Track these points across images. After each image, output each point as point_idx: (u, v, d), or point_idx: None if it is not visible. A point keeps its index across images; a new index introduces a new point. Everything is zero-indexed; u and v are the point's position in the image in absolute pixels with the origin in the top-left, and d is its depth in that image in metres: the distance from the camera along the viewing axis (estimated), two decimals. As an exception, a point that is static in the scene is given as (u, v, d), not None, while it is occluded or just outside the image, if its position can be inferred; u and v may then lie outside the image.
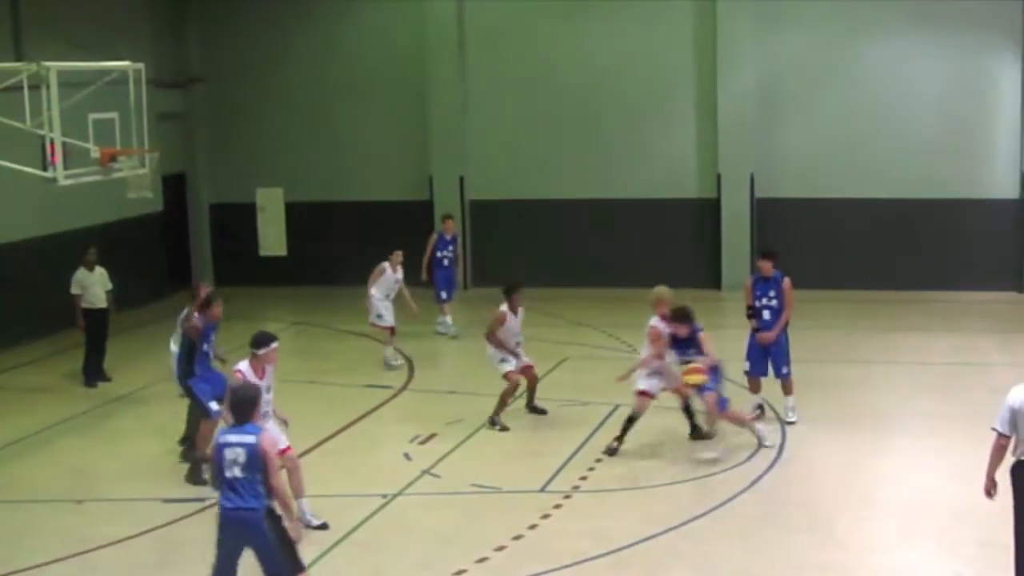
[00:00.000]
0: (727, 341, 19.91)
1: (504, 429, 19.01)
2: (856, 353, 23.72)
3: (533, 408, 19.87)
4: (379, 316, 23.33)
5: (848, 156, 29.24)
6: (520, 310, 19.53)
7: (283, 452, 15.04)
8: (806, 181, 29.40)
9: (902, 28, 28.97)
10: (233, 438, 11.57)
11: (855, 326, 26.18)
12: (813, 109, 29.39)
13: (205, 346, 17.49)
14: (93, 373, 22.66)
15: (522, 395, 19.78)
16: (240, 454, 11.45)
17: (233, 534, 11.57)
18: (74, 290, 22.46)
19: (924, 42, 28.92)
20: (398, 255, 23.49)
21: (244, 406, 11.79)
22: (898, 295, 28.49)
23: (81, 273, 22.53)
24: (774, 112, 29.39)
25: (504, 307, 19.30)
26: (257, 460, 11.47)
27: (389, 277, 23.35)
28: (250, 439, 11.53)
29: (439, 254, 26.08)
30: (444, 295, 25.99)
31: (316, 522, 14.97)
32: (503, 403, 19.17)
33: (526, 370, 19.56)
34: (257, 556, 11.63)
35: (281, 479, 11.77)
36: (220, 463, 11.54)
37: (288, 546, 11.75)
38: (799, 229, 28.91)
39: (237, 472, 11.43)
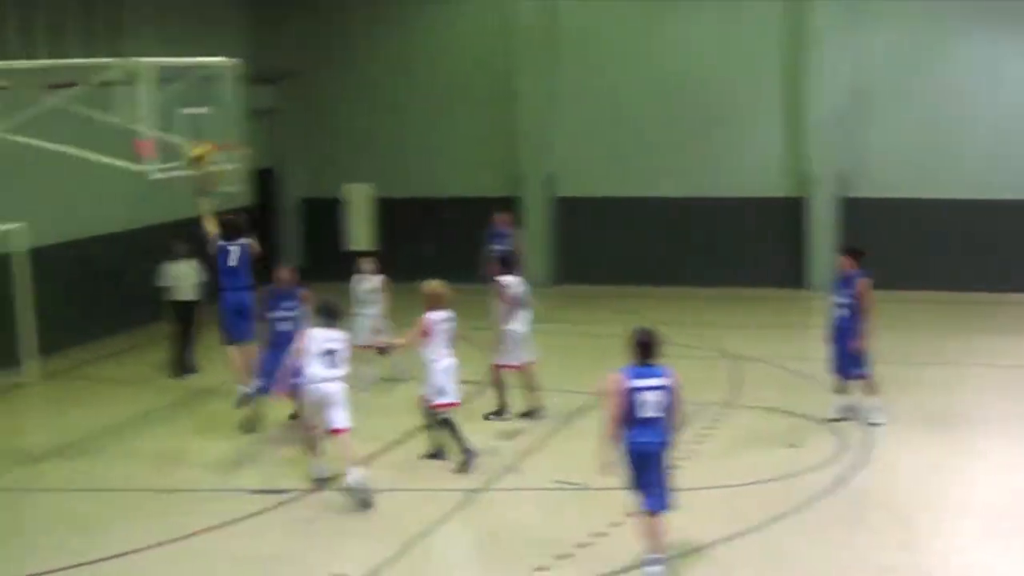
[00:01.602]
0: (812, 341, 19.77)
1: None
2: (944, 355, 23.50)
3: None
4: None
5: (937, 156, 28.93)
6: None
7: (340, 431, 15.86)
8: (894, 181, 29.12)
9: (995, 25, 28.61)
10: (648, 382, 12.93)
11: (943, 327, 25.92)
12: (902, 108, 29.09)
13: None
14: (181, 365, 22.95)
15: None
16: (659, 396, 12.91)
17: (642, 464, 13.02)
18: (163, 282, 22.79)
19: (1018, 39, 28.57)
20: (367, 261, 22.16)
21: (653, 345, 13.16)
22: (988, 296, 28.13)
23: (170, 265, 22.85)
24: (862, 111, 29.13)
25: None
26: (671, 399, 12.98)
27: (362, 286, 21.91)
28: (666, 382, 13.00)
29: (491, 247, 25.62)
30: None
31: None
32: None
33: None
34: None
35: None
36: (633, 404, 12.81)
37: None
38: (886, 229, 28.59)
39: (653, 412, 12.90)
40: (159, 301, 22.79)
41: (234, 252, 19.39)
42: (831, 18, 28.95)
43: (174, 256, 22.97)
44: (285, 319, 18.58)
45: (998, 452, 17.67)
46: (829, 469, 16.84)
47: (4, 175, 23.50)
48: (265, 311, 18.83)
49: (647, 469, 13.05)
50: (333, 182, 32.87)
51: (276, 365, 17.60)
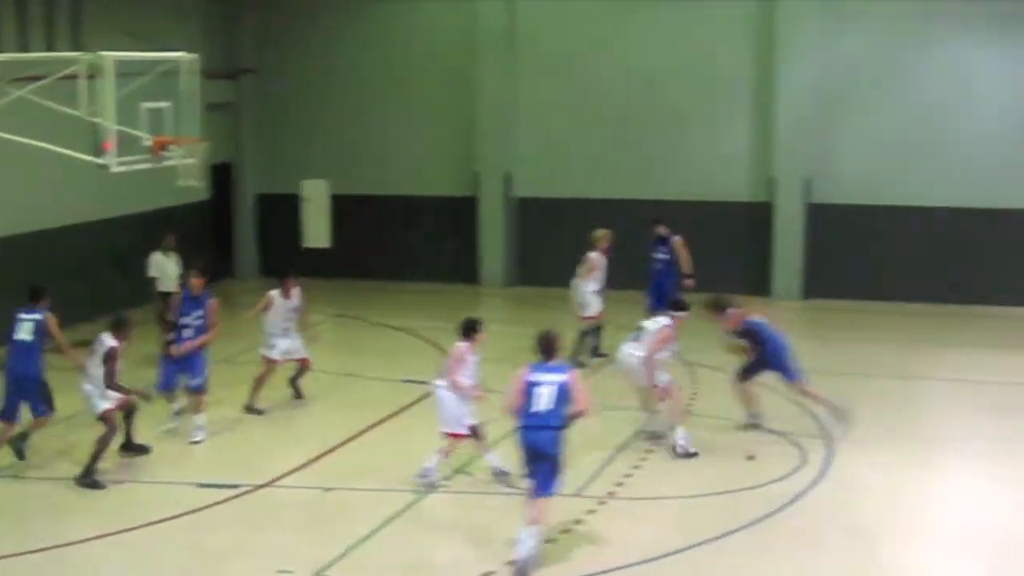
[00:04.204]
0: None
1: (259, 413, 20.14)
2: (906, 368, 23.08)
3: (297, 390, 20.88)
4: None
5: (908, 163, 28.61)
6: (294, 293, 20.34)
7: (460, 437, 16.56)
8: (863, 188, 28.78)
9: (971, 29, 28.27)
10: None
11: (905, 339, 25.52)
12: (874, 113, 28.73)
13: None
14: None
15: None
16: None
17: None
18: (152, 273, 23.57)
19: (993, 45, 28.24)
20: (289, 282, 20.50)
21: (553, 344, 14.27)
22: (953, 309, 27.81)
23: (159, 257, 23.58)
24: (833, 115, 28.81)
25: (273, 291, 20.21)
26: None
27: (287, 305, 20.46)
28: None
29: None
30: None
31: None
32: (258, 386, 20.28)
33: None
34: None
35: None
36: None
37: None
38: (853, 236, 28.52)
39: None
40: (140, 290, 23.57)
41: None
42: (801, 20, 28.56)
43: (164, 249, 23.69)
44: (190, 326, 18.88)
45: (967, 472, 17.45)
46: (787, 485, 16.66)
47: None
48: (177, 316, 19.01)
49: None
50: (290, 178, 32.81)
51: (175, 370, 18.93)
